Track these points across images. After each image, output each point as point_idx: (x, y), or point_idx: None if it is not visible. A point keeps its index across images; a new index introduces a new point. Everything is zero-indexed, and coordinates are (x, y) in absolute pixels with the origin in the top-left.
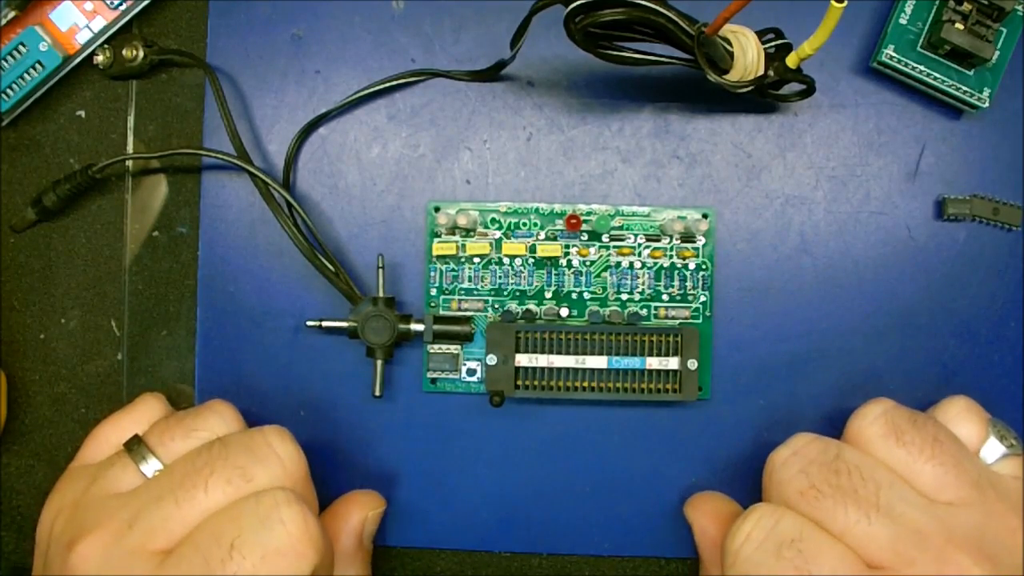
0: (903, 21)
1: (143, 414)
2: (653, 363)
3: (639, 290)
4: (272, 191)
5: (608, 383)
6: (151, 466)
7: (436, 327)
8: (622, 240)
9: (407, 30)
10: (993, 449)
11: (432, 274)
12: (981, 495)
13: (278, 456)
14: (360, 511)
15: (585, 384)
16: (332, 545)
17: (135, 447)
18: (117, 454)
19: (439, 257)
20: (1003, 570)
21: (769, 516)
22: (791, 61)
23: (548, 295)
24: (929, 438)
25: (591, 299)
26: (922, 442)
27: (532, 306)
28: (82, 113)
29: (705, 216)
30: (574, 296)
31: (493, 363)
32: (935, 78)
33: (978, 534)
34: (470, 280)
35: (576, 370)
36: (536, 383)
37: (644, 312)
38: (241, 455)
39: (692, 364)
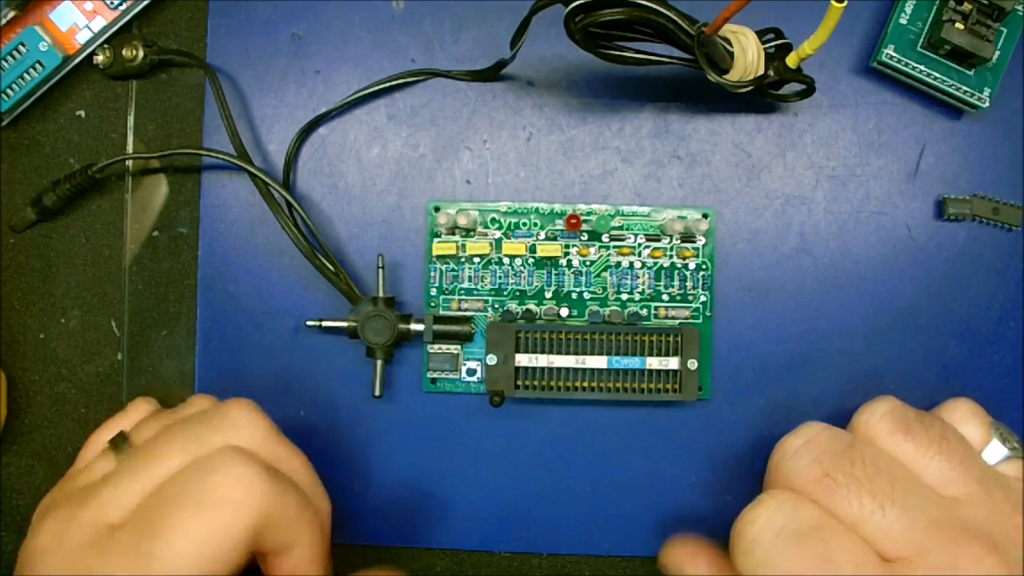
0: (903, 21)
1: (134, 418)
2: (653, 363)
3: (639, 290)
4: (272, 191)
5: (608, 383)
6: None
7: (436, 327)
8: (622, 240)
9: (407, 30)
10: (995, 451)
11: (432, 274)
12: (987, 492)
13: (234, 421)
14: None
15: (585, 384)
16: (310, 501)
17: (120, 443)
18: (102, 451)
19: (439, 257)
20: (1013, 564)
21: (789, 503)
22: (791, 61)
23: (548, 295)
24: (936, 435)
25: (591, 299)
26: (929, 439)
27: (532, 306)
28: (82, 113)
29: (705, 216)
30: (574, 296)
31: (493, 363)
32: (935, 78)
33: (987, 528)
34: (470, 280)
35: (576, 370)
36: (536, 383)
37: (644, 312)
38: (199, 426)
39: (692, 364)
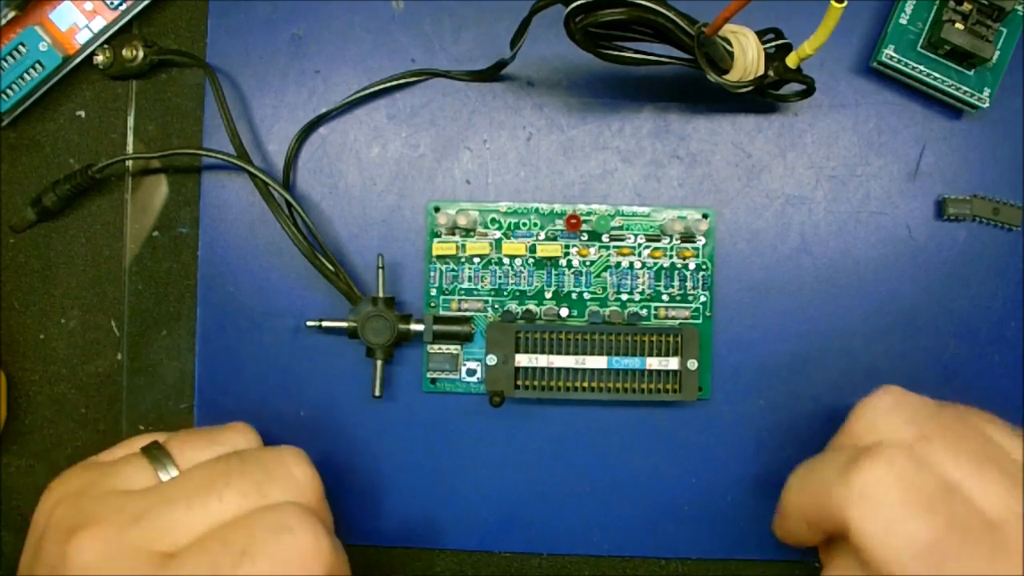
0: (903, 21)
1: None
2: (653, 363)
3: (639, 290)
4: (272, 191)
5: (608, 383)
6: (168, 472)
7: (436, 327)
8: (622, 240)
9: (407, 30)
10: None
11: (432, 274)
12: None
13: (294, 476)
14: None
15: (585, 384)
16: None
17: (154, 451)
18: (133, 454)
19: (439, 257)
20: None
21: (914, 463)
22: (791, 61)
23: (548, 295)
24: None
25: (591, 299)
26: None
27: (532, 306)
28: (82, 113)
29: (705, 216)
30: (574, 296)
31: (493, 363)
32: (935, 78)
33: None
34: (470, 280)
35: (576, 370)
36: (536, 383)
37: (644, 312)
38: (258, 471)
39: (692, 364)
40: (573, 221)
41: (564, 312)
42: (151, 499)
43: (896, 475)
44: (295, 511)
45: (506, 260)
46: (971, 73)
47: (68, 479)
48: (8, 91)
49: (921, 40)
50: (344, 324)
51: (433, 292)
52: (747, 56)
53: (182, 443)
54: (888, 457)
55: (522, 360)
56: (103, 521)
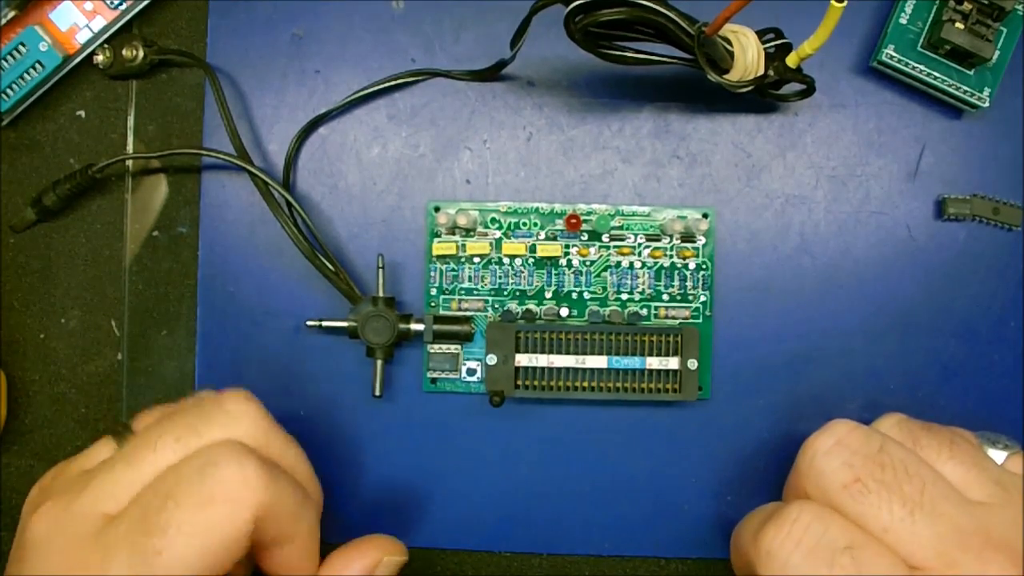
0: (903, 21)
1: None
2: (653, 363)
3: (639, 290)
4: (272, 191)
5: (608, 383)
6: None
7: (436, 327)
8: (622, 240)
9: (407, 30)
10: (995, 457)
11: (432, 274)
12: (1007, 493)
13: (230, 413)
14: (376, 552)
15: (585, 384)
16: (307, 492)
17: (119, 429)
18: (103, 439)
19: (439, 257)
20: None
21: (818, 521)
22: (791, 61)
23: (548, 295)
24: (946, 440)
25: (591, 299)
26: (939, 444)
27: (532, 306)
28: (82, 113)
29: (705, 216)
30: (574, 296)
31: (493, 363)
32: (935, 78)
33: (1013, 534)
34: (470, 280)
35: (576, 370)
36: (536, 383)
37: (644, 312)
38: (194, 417)
39: (692, 364)
40: (573, 221)
41: (564, 312)
42: (100, 468)
43: (798, 537)
44: (223, 446)
45: (506, 260)
46: (971, 73)
47: (48, 474)
48: (8, 91)
49: (921, 40)
50: (344, 324)
51: (433, 292)
52: (747, 56)
53: (140, 418)
54: (794, 518)
55: (522, 360)
56: (56, 496)
